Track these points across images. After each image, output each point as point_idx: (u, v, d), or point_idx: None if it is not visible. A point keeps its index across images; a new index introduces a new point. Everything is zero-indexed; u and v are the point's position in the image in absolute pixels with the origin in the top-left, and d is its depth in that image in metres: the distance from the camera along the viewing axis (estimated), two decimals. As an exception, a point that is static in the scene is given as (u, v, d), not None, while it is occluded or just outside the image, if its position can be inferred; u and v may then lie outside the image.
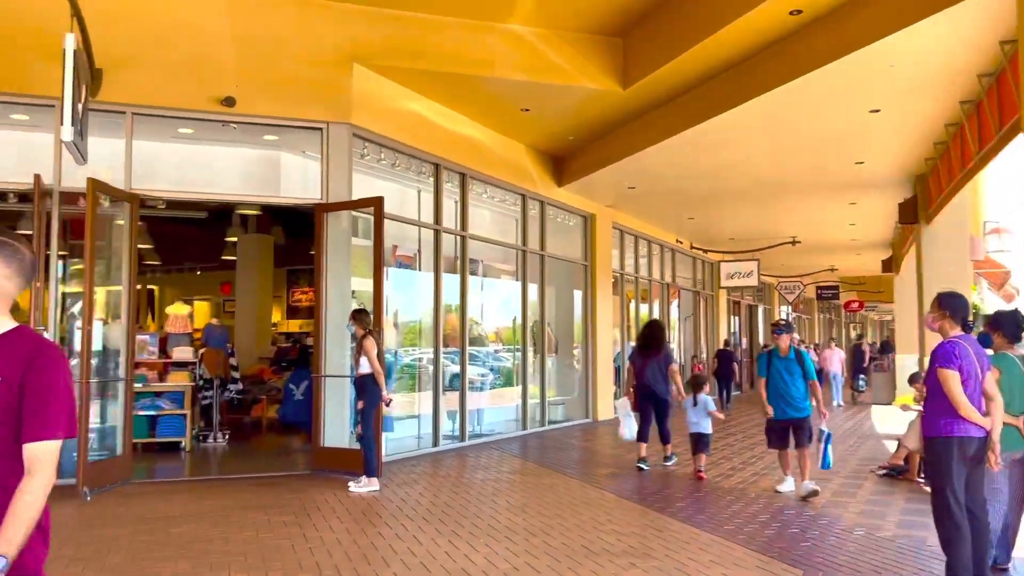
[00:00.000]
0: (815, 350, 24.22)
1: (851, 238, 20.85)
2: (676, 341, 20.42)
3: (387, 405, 8.26)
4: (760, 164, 12.60)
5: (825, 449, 7.48)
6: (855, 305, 41.50)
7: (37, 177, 7.66)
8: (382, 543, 5.97)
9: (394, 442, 10.50)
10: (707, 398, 9.12)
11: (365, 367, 7.98)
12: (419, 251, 11.62)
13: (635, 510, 7.19)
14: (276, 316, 19.79)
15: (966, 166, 10.41)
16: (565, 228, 15.29)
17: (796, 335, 23.12)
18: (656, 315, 19.14)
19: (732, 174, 13.21)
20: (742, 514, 7.02)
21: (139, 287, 21.78)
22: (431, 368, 11.12)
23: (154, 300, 21.06)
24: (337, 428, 9.05)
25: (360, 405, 8.07)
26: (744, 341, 27.62)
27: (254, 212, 13.53)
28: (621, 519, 6.80)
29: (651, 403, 9.54)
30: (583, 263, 15.56)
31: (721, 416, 9.49)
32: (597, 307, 15.53)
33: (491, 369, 13.61)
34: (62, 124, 6.70)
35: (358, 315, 8.17)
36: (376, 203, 8.81)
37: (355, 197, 9.32)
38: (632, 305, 17.99)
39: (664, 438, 9.66)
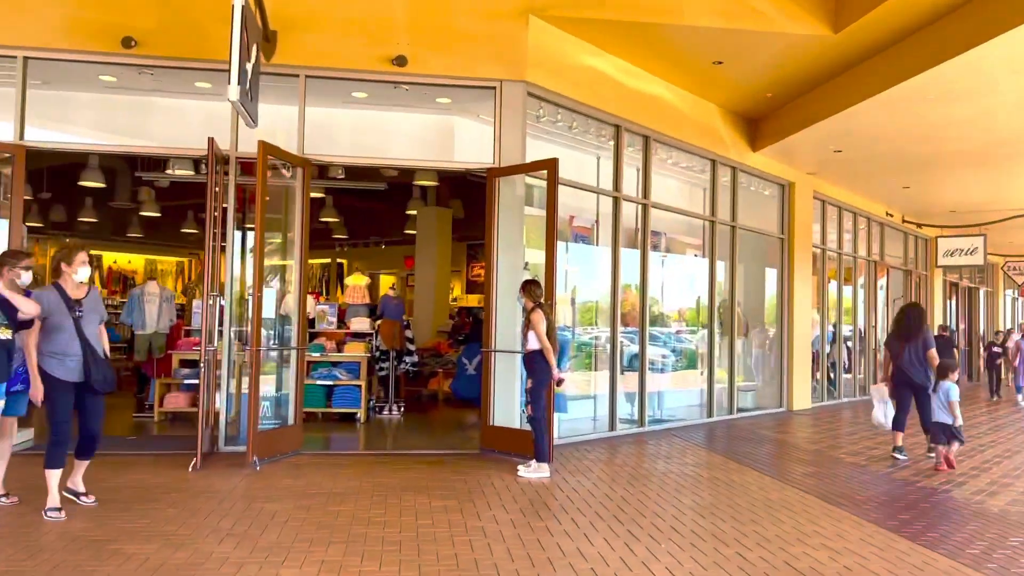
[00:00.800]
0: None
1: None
2: (883, 325, 18.36)
3: (558, 385, 7.58)
4: (1000, 118, 10.70)
5: None
6: (1095, 290, 36.22)
7: (211, 141, 7.58)
8: (548, 540, 5.30)
9: (568, 424, 9.85)
10: (950, 385, 8.28)
11: (534, 343, 7.34)
12: (597, 222, 10.83)
13: (847, 519, 6.08)
14: (456, 290, 19.77)
15: None
16: (759, 198, 13.92)
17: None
18: (860, 296, 17.24)
19: (962, 133, 11.35)
20: (985, 535, 5.73)
21: (327, 260, 22.83)
22: (608, 348, 10.34)
23: (343, 273, 21.74)
24: (507, 406, 8.50)
25: (529, 384, 7.44)
26: (962, 327, 24.66)
27: (431, 183, 13.29)
28: (831, 530, 5.73)
29: (908, 390, 9.06)
30: (779, 236, 14.13)
31: (956, 412, 8.24)
32: (795, 285, 14.07)
33: (673, 351, 12.62)
34: (229, 84, 6.51)
35: (528, 286, 7.54)
36: (550, 165, 8.11)
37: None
38: (833, 285, 16.25)
39: (927, 429, 8.81)
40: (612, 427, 10.17)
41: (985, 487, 7.51)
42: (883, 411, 9.25)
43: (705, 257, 12.42)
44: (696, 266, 12.75)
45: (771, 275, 14.40)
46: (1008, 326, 28.78)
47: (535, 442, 7.38)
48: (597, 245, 10.82)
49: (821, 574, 4.75)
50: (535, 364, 7.36)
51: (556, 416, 9.31)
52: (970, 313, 25.51)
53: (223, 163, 8.10)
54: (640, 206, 10.85)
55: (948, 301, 22.84)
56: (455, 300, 19.45)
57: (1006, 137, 11.51)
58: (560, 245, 9.69)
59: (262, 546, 5.02)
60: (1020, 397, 16.50)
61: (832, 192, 15.58)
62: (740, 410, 12.90)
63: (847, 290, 16.86)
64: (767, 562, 4.95)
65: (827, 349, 15.80)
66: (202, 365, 7.41)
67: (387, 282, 19.05)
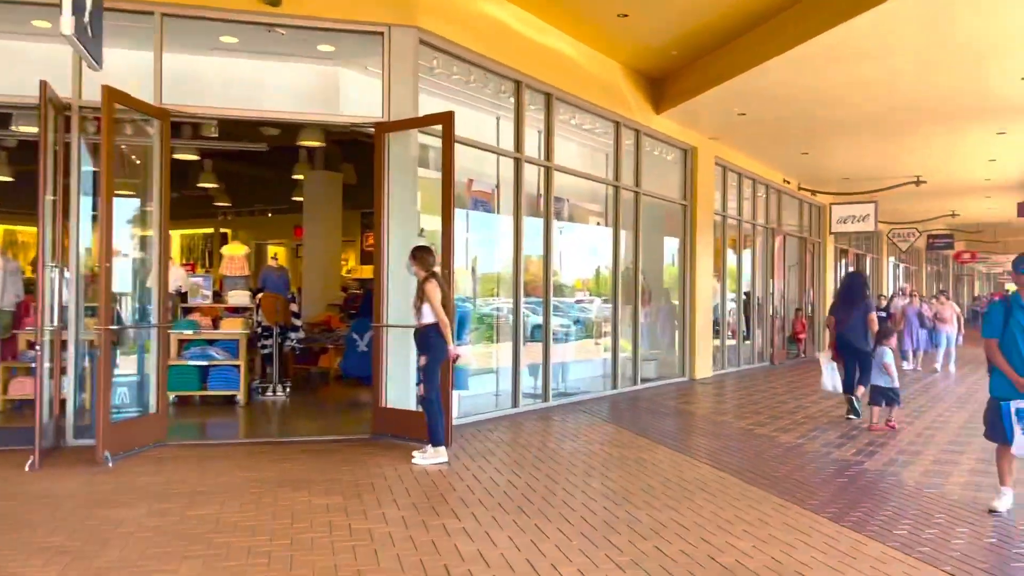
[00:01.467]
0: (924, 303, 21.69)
1: (985, 178, 18.33)
2: (780, 291, 18.50)
3: (454, 361, 6.87)
4: (901, 84, 10.57)
5: None
6: (967, 256, 38.27)
7: (43, 85, 6.44)
8: (445, 543, 4.63)
9: (469, 401, 9.21)
10: (884, 349, 8.87)
11: (428, 316, 6.62)
12: (497, 187, 10.15)
13: (767, 501, 5.66)
14: (351, 262, 18.77)
15: None
16: (663, 164, 13.54)
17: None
18: (758, 264, 17.27)
19: (866, 95, 11.19)
20: (908, 514, 5.41)
21: (210, 230, 21.32)
22: (511, 319, 9.72)
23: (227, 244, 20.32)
24: (401, 386, 7.76)
25: (422, 361, 6.72)
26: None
27: (318, 143, 12.25)
28: (752, 514, 5.30)
29: (852, 355, 9.47)
30: (682, 203, 13.81)
31: (892, 374, 8.79)
32: (697, 253, 13.81)
33: (577, 321, 12.16)
34: (62, 15, 5.45)
35: (418, 253, 6.79)
36: (446, 119, 7.35)
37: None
38: (732, 254, 16.15)
39: (862, 379, 9.40)
40: (515, 403, 9.59)
41: (896, 457, 7.30)
42: (831, 378, 9.48)
43: (609, 225, 11.95)
44: (600, 234, 12.27)
45: (673, 243, 14.11)
46: (891, 291, 29.91)
47: (429, 426, 6.68)
48: (499, 213, 10.16)
49: (747, 568, 4.27)
50: (429, 339, 6.64)
51: (456, 394, 8.65)
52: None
53: (62, 112, 6.95)
54: (543, 169, 10.22)
55: (838, 268, 23.35)
56: (350, 272, 18.46)
57: (907, 101, 11.42)
58: (459, 213, 9.01)
59: (97, 568, 4.15)
60: (905, 362, 16.86)
61: (733, 158, 15.40)
62: (644, 380, 12.57)
63: (746, 258, 16.82)
64: (688, 556, 4.44)
65: (727, 317, 15.71)
66: (38, 347, 6.35)
67: (277, 254, 17.86)
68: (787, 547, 4.62)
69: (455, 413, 8.36)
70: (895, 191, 18.75)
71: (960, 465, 6.97)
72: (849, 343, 9.45)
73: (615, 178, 11.73)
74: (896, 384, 8.76)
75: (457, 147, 7.51)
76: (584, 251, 12.49)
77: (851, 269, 18.79)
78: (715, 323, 15.09)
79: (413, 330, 6.86)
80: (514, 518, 5.14)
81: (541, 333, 10.21)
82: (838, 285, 10.62)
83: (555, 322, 10.68)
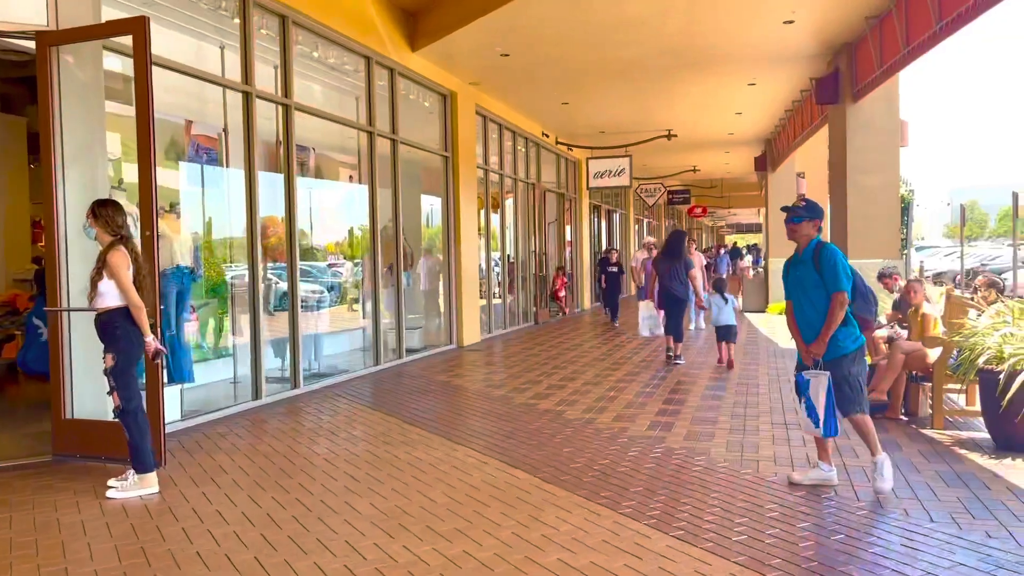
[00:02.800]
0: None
1: (729, 132, 19.01)
2: (542, 248, 18.02)
3: (155, 358, 5.05)
4: (669, 24, 10.01)
5: (827, 409, 4.89)
6: (699, 211, 41.00)
7: None
8: (136, 648, 3.02)
9: (195, 396, 7.38)
10: (732, 297, 10.48)
11: (112, 297, 4.79)
12: (225, 131, 8.27)
13: (578, 509, 4.60)
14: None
15: (920, 36, 8.33)
16: (420, 110, 12.19)
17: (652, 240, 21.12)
18: (520, 221, 16.57)
19: (629, 38, 10.55)
20: (689, 495, 4.60)
21: None
22: (249, 293, 7.94)
23: None
24: (92, 390, 5.80)
25: (108, 361, 4.86)
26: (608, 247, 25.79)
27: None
28: (564, 530, 4.19)
29: (673, 302, 10.57)
30: (443, 154, 12.58)
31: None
32: (461, 210, 12.69)
33: (331, 289, 10.58)
34: None
35: (101, 210, 4.90)
36: (136, 28, 5.42)
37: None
38: (495, 211, 15.27)
39: (677, 336, 10.47)
40: (257, 394, 7.88)
41: (693, 429, 6.64)
42: (647, 326, 11.26)
43: (363, 180, 10.41)
44: (353, 189, 10.72)
45: (435, 200, 12.88)
46: (624, 243, 31.07)
47: (130, 447, 4.89)
48: (228, 166, 8.31)
49: (579, 626, 3.12)
50: (116, 329, 4.81)
51: (176, 390, 6.82)
52: (609, 235, 26.78)
53: None
54: (281, 108, 8.46)
55: (593, 224, 23.52)
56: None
57: (672, 44, 10.94)
58: (181, 166, 7.09)
59: None
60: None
61: (494, 107, 14.42)
62: (410, 352, 11.32)
63: (508, 214, 16.04)
64: (498, 616, 3.21)
65: (495, 277, 14.86)
66: None
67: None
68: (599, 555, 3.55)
69: (173, 416, 6.55)
70: (648, 145, 18.90)
71: (761, 434, 6.42)
72: (671, 293, 10.57)
73: (368, 123, 10.19)
74: (735, 322, 10.17)
75: (171, 78, 5.68)
76: (337, 209, 10.90)
77: (674, 227, 19.02)
78: (480, 284, 14.16)
79: (94, 316, 4.95)
80: (253, 573, 3.63)
81: (289, 304, 8.53)
82: (665, 240, 11.97)
83: (304, 290, 9.05)
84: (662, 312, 11.09)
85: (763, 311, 18.91)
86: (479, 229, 14.12)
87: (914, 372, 6.90)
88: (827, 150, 11.95)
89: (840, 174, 11.26)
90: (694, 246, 20.08)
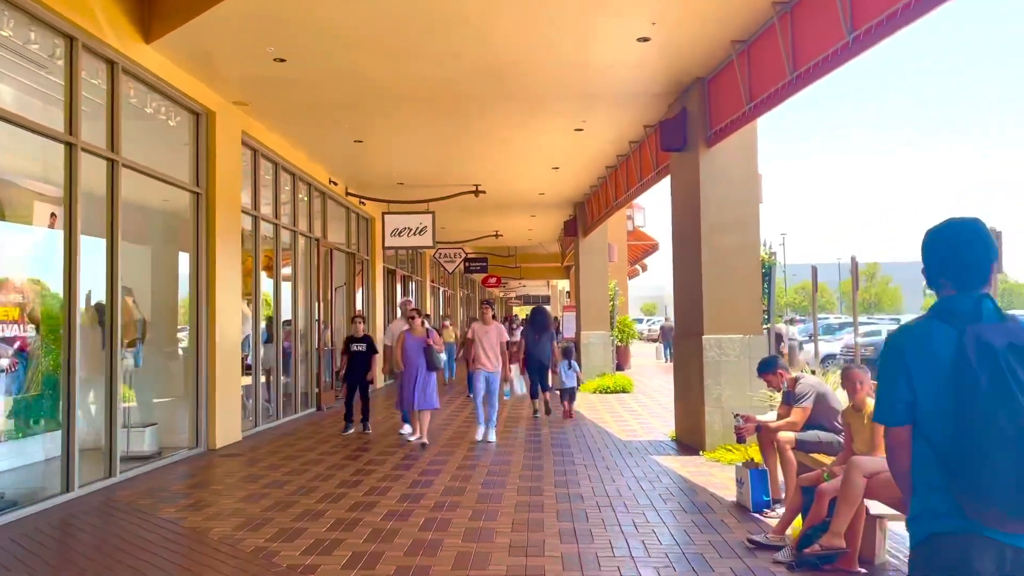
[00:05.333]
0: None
1: (541, 192, 17.18)
2: (325, 318, 14.96)
3: None
4: (498, 29, 7.74)
5: None
6: (493, 281, 39.48)
7: None
8: None
9: None
10: (575, 363, 12.74)
11: None
12: None
13: None
14: None
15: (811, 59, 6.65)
16: (162, 129, 9.04)
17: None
18: (300, 282, 13.50)
19: (445, 46, 8.19)
20: None
21: None
22: None
23: None
24: None
25: None
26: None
27: None
28: None
29: (538, 368, 12.37)
30: (193, 190, 9.42)
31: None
32: (217, 263, 9.53)
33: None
34: None
35: None
36: None
37: None
38: (266, 272, 12.14)
39: (544, 388, 12.36)
40: None
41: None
42: (520, 386, 13.25)
43: (58, 222, 7.06)
44: (42, 235, 7.30)
45: (181, 252, 9.63)
46: (434, 314, 28.62)
47: None
48: None
49: None
50: None
51: None
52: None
53: None
54: None
55: (388, 290, 20.76)
56: None
57: (494, 62, 8.67)
58: None
59: None
60: (406, 427, 10.65)
61: (269, 140, 11.47)
62: (130, 461, 7.90)
63: (286, 274, 12.94)
64: None
65: (260, 352, 11.66)
66: None
67: None
68: None
69: None
70: (451, 203, 16.64)
71: None
72: (538, 360, 12.41)
73: (69, 131, 6.94)
74: (576, 384, 12.54)
75: None
76: (21, 259, 7.40)
77: (467, 296, 18.74)
78: (247, 364, 10.93)
79: None
80: None
81: None
82: (529, 314, 14.21)
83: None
84: (526, 375, 12.88)
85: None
86: (246, 291, 10.95)
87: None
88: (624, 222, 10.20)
89: (690, 233, 9.44)
90: (496, 317, 18.13)
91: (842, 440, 6.13)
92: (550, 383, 12.57)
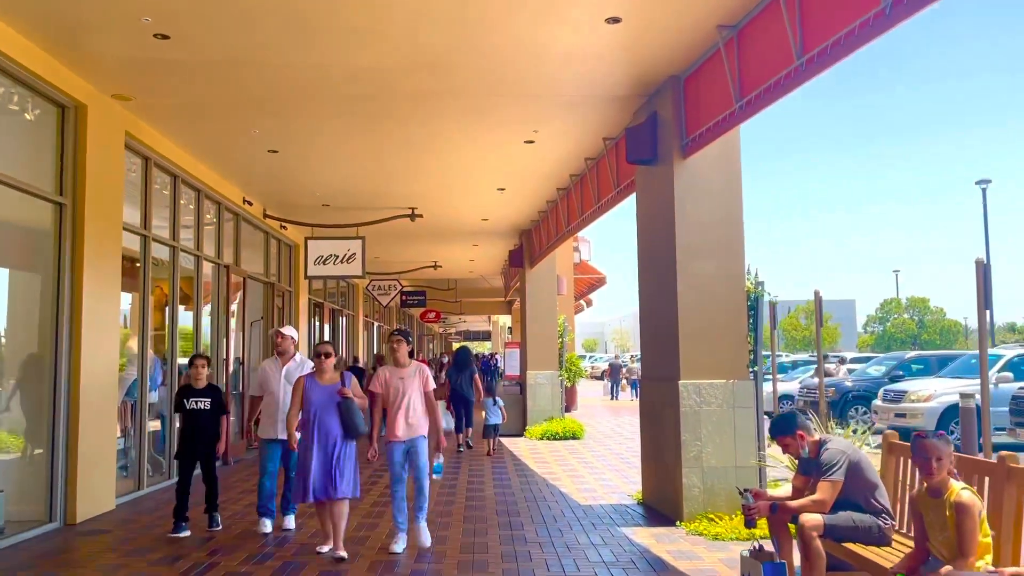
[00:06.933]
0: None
1: (484, 218, 15.63)
2: (237, 353, 13.07)
3: None
4: (425, 18, 6.21)
5: None
6: (432, 316, 37.66)
7: None
8: None
9: None
10: (500, 400, 13.38)
11: None
12: None
13: None
14: None
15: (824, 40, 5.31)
16: (11, 123, 7.22)
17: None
18: (207, 314, 11.62)
19: (369, 22, 6.63)
20: None
21: None
22: None
23: None
24: None
25: None
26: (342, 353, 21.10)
27: None
28: None
29: (461, 403, 13.37)
30: (55, 200, 7.59)
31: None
32: (84, 287, 7.68)
33: None
34: None
35: None
36: None
37: None
38: (167, 304, 10.27)
39: (467, 424, 13.41)
40: None
41: None
42: (446, 421, 13.52)
43: None
44: None
45: (33, 275, 7.76)
46: (366, 353, 26.73)
47: None
48: None
49: None
50: None
51: None
52: (334, 338, 22.19)
53: None
54: None
55: (314, 324, 18.87)
56: None
57: (436, 46, 7.12)
58: None
59: None
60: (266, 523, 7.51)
61: (164, 148, 9.69)
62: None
63: (185, 307, 11.07)
64: None
65: (153, 398, 9.77)
66: None
67: None
68: None
69: None
70: (384, 229, 15.00)
71: None
72: (461, 396, 13.29)
73: None
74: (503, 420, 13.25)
75: None
76: None
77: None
78: (132, 406, 9.04)
79: None
80: None
81: None
82: (453, 356, 14.69)
83: None
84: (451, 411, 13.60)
85: (521, 435, 15.38)
86: (134, 324, 9.06)
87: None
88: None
89: (662, 259, 7.99)
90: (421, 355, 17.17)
91: (883, 525, 4.67)
92: (471, 419, 13.49)
